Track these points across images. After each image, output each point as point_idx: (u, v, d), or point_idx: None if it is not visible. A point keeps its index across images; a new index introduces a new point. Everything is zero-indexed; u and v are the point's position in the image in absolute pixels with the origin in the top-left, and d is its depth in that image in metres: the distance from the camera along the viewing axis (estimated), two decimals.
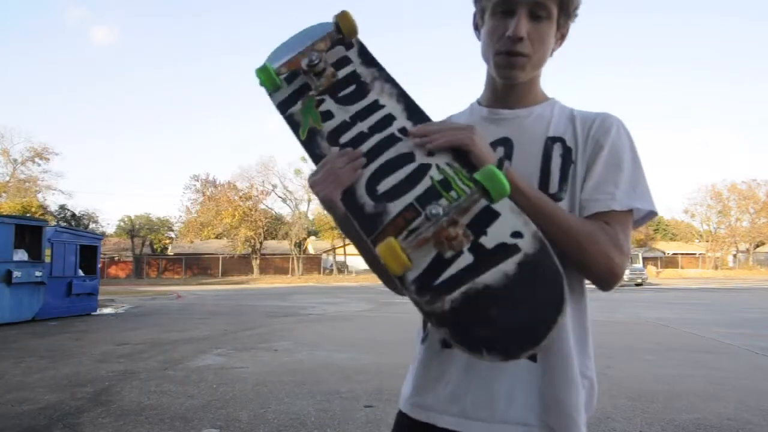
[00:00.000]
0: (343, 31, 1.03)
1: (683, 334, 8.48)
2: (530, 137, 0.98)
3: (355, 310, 13.29)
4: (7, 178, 35.64)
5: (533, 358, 0.90)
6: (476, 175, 0.79)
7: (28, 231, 11.14)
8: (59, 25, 70.80)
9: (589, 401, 0.94)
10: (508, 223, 0.81)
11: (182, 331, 9.08)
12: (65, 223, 33.37)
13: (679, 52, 71.73)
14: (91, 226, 38.21)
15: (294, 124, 1.02)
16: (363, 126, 0.97)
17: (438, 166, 0.88)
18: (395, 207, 0.87)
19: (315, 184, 0.92)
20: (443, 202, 0.83)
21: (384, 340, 8.12)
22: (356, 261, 41.36)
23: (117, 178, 77.03)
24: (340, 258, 41.68)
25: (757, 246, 46.48)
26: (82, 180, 70.37)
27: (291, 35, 1.11)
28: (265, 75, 1.01)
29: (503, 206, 0.82)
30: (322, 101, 1.02)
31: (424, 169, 0.89)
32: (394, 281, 1.07)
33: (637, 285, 24.38)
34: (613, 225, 0.91)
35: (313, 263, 41.84)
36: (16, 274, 10.19)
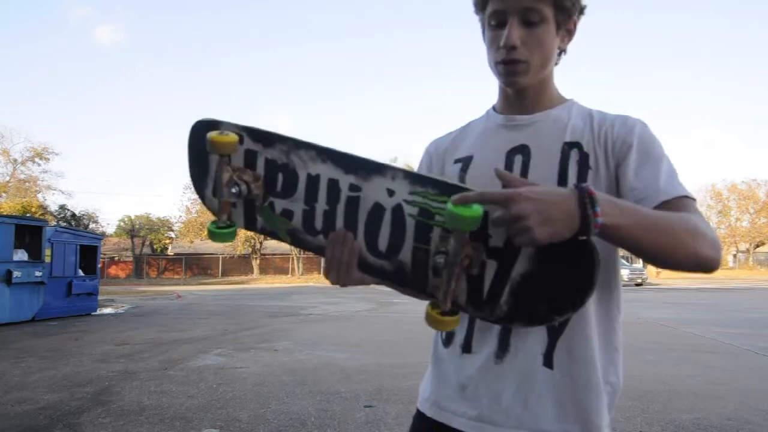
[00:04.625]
0: (225, 153, 0.96)
1: (683, 334, 8.47)
2: (548, 143, 0.97)
3: (355, 310, 13.29)
4: (7, 178, 35.62)
5: (549, 365, 0.90)
6: (447, 226, 0.82)
7: (28, 231, 11.13)
8: (61, 25, 70.81)
9: (611, 404, 0.93)
10: None
11: (182, 331, 9.08)
12: (65, 223, 33.37)
13: (679, 52, 71.78)
14: (91, 226, 38.21)
15: (272, 234, 1.01)
16: (321, 205, 0.96)
17: (406, 201, 0.89)
18: (405, 256, 0.90)
19: (335, 279, 0.93)
20: (436, 237, 0.86)
21: (384, 340, 8.11)
22: None
23: (117, 178, 77.13)
24: None
25: (757, 246, 46.47)
26: (82, 180, 70.49)
27: (187, 156, 1.06)
28: (220, 237, 0.99)
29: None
30: (272, 204, 1.00)
31: (398, 212, 0.90)
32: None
33: (637, 285, 24.35)
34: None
35: (313, 263, 41.79)
36: (16, 274, 10.19)
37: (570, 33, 0.99)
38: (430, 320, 0.85)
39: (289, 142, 0.97)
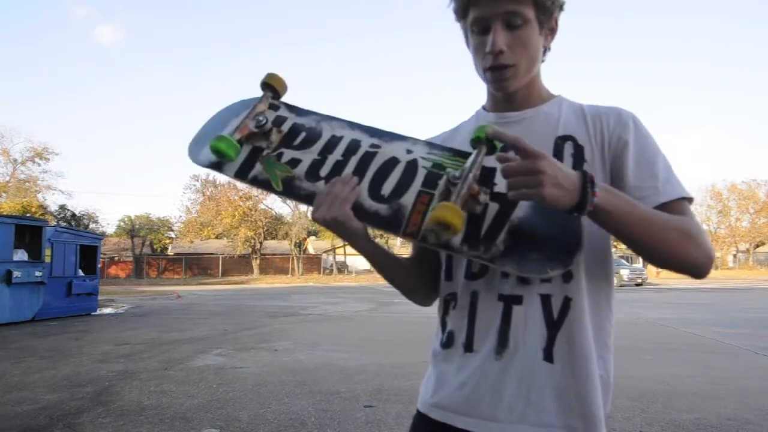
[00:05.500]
0: (276, 88, 1.07)
1: (683, 334, 8.47)
2: (539, 138, 0.97)
3: (355, 310, 13.29)
4: (7, 178, 35.60)
5: (550, 359, 0.91)
6: (475, 134, 0.88)
7: (28, 231, 11.14)
8: (61, 25, 70.82)
9: (605, 399, 0.94)
10: None
11: (182, 331, 9.08)
12: (65, 223, 33.37)
13: (679, 52, 71.73)
14: (91, 226, 38.21)
15: (262, 183, 1.01)
16: (335, 156, 1.00)
17: (423, 158, 0.97)
18: (408, 199, 0.93)
19: (321, 214, 0.92)
20: (444, 182, 0.91)
21: (384, 340, 8.11)
22: (356, 261, 41.38)
23: (117, 178, 77.18)
24: (340, 258, 41.67)
25: (757, 246, 46.47)
26: (82, 180, 70.50)
27: (210, 117, 1.13)
28: (226, 143, 0.99)
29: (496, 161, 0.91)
30: (281, 155, 1.02)
31: (413, 164, 0.96)
32: (417, 291, 1.11)
33: (637, 285, 24.34)
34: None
35: (313, 263, 41.83)
36: (16, 274, 10.19)
37: (552, 31, 1.00)
38: (442, 207, 0.80)
39: (323, 115, 1.06)
